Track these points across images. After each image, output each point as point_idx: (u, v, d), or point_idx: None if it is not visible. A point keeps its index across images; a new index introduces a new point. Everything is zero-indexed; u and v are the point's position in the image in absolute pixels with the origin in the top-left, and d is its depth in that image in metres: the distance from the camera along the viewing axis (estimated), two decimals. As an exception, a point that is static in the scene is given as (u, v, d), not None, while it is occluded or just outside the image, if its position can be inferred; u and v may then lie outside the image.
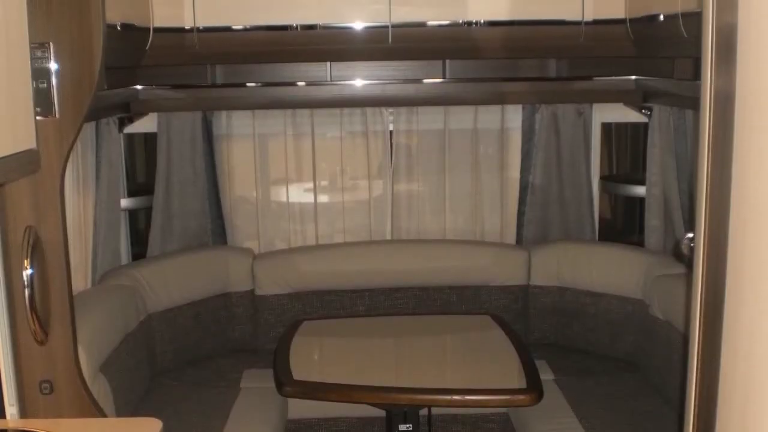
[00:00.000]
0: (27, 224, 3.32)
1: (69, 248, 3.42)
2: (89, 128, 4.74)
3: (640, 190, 5.42)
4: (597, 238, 5.60)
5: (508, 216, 5.62)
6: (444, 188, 5.60)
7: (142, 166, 5.81)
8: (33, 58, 3.11)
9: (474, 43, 4.97)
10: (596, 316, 5.17)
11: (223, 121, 5.43)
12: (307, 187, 5.59)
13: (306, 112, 5.45)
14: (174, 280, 5.01)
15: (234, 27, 4.92)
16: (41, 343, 3.39)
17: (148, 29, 4.73)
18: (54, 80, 3.23)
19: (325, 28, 4.95)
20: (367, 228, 5.62)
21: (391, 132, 5.52)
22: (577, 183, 5.47)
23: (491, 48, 4.98)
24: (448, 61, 5.21)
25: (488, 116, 5.50)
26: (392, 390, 4.12)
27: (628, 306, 5.03)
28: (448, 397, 4.05)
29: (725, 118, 2.24)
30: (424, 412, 4.57)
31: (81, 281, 4.62)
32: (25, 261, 3.32)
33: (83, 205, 4.64)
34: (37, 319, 3.36)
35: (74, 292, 3.51)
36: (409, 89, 5.25)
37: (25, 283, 3.32)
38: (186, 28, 4.87)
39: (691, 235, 2.56)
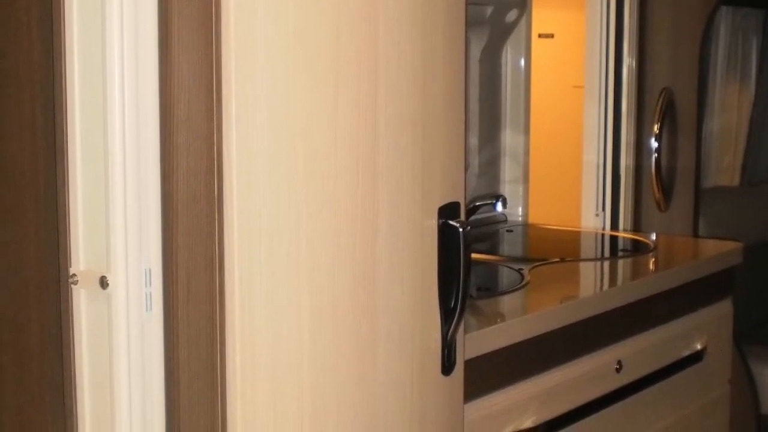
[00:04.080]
0: (663, 86, 3.18)
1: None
2: (758, 18, 4.41)
3: None
4: None
5: None
6: None
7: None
8: None
9: None
10: None
11: None
12: None
13: None
14: None
15: None
16: (662, 210, 3.26)
17: None
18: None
19: None
20: None
21: None
22: None
23: None
24: None
25: None
26: None
27: None
28: None
29: None
30: None
31: (728, 177, 4.39)
32: (656, 125, 3.20)
33: (738, 98, 4.37)
34: (661, 186, 3.23)
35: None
36: None
37: (653, 147, 3.20)
38: None
39: None
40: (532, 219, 3.09)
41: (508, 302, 2.21)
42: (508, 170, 3.04)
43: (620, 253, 2.88)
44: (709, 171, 4.20)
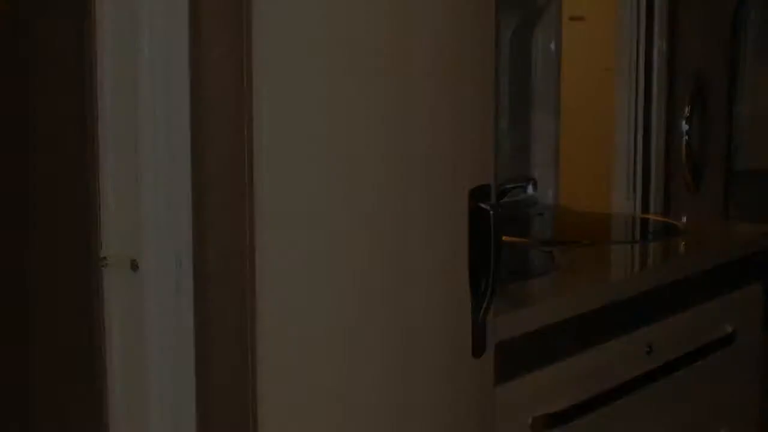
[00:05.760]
0: (694, 68, 3.12)
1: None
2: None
3: None
4: None
5: None
6: None
7: None
8: None
9: None
10: None
11: None
12: None
13: None
14: None
15: None
16: (693, 193, 3.21)
17: None
18: None
19: None
20: None
21: None
22: None
23: None
24: None
25: None
26: None
27: None
28: None
29: None
30: None
31: (759, 160, 4.32)
32: (686, 108, 3.14)
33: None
34: (692, 169, 3.18)
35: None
36: None
37: (683, 130, 3.15)
38: None
39: None
40: (563, 202, 3.05)
41: (538, 285, 2.18)
42: (539, 153, 3.00)
43: (651, 236, 2.84)
44: (739, 154, 4.14)
